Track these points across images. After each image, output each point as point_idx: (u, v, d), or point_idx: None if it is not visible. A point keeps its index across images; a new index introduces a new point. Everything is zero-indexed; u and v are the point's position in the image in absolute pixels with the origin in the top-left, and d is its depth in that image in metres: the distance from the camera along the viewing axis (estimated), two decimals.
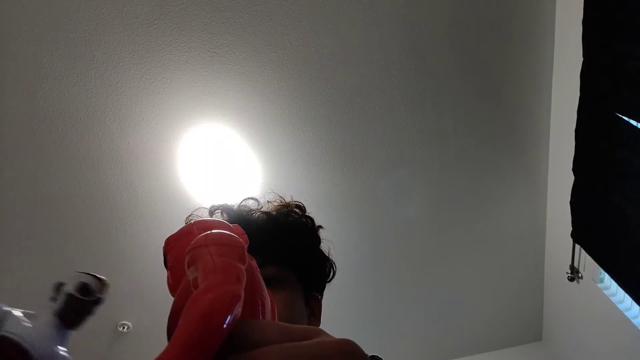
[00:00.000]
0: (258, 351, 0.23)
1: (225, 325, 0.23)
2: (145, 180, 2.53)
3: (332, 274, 0.84)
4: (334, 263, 0.85)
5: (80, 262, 2.66)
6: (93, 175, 2.48)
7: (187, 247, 0.27)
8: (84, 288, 1.91)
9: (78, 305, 1.92)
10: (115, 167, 2.48)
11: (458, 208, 2.84)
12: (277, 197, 0.83)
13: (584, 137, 2.29)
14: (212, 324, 0.22)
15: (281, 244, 0.74)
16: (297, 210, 0.81)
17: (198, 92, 2.36)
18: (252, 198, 0.81)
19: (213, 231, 0.28)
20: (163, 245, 0.31)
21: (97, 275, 1.96)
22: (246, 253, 0.28)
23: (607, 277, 2.48)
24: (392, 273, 2.97)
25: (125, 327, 2.86)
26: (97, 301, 2.01)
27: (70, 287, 1.89)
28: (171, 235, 0.32)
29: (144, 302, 2.80)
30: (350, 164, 2.63)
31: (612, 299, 2.47)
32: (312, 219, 0.83)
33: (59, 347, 1.81)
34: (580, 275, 2.67)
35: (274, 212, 0.79)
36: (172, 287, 0.29)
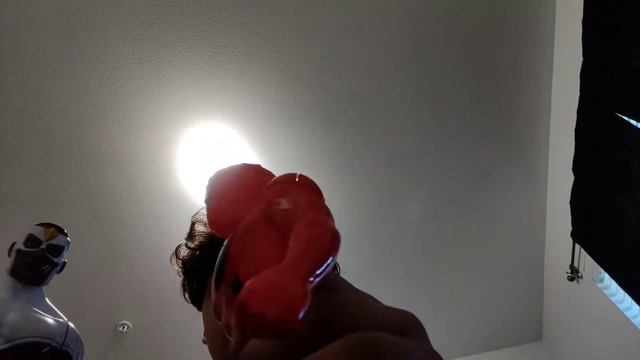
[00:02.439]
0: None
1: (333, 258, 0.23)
2: (145, 180, 2.53)
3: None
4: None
5: (80, 262, 2.66)
6: (93, 175, 2.48)
7: (275, 179, 0.29)
8: (31, 239, 1.88)
9: (27, 257, 1.87)
10: (115, 166, 2.48)
11: (458, 208, 2.84)
12: None
13: (584, 137, 2.29)
14: (335, 251, 0.23)
15: None
16: None
17: (198, 91, 2.36)
18: None
19: (299, 174, 0.30)
20: (211, 176, 0.33)
21: (46, 223, 1.90)
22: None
23: (607, 277, 2.48)
24: (391, 273, 2.97)
25: (125, 327, 2.86)
26: (49, 248, 1.96)
27: (19, 243, 1.85)
28: (220, 170, 0.33)
29: (144, 302, 2.80)
30: (350, 163, 2.63)
31: (612, 298, 2.46)
32: None
33: (26, 306, 1.75)
34: (580, 275, 2.67)
35: None
36: (222, 212, 0.31)
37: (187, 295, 0.78)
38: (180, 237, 0.79)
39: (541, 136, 2.71)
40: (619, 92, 2.02)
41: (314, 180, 0.30)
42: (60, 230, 1.73)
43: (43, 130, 2.35)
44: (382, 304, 0.26)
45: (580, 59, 2.18)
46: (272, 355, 0.22)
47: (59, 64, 2.22)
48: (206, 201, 0.32)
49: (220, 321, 0.24)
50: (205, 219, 0.78)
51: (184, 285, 0.78)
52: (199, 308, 0.76)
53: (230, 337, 0.23)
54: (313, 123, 2.51)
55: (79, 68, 2.24)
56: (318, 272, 0.22)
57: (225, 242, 0.28)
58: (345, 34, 2.35)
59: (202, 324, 0.72)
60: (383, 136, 2.59)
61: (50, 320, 1.66)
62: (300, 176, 0.28)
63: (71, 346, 1.69)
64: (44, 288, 1.73)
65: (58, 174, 2.45)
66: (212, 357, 0.69)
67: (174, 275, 0.79)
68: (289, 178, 0.28)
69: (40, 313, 1.65)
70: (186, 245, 0.78)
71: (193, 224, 0.79)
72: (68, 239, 1.78)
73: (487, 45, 2.49)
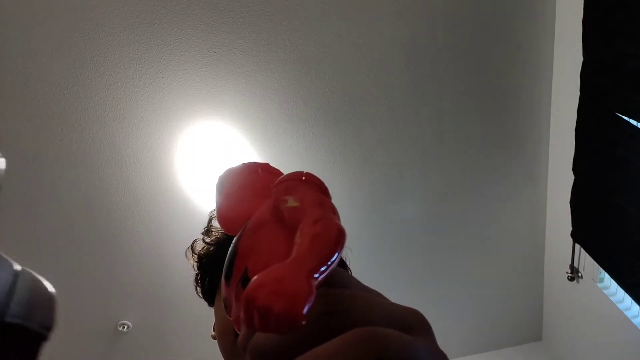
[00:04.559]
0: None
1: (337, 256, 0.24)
2: (145, 180, 2.53)
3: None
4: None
5: (80, 262, 2.66)
6: (93, 175, 2.48)
7: (283, 178, 0.30)
8: None
9: None
10: (115, 166, 2.48)
11: (458, 208, 2.84)
12: None
13: (583, 137, 2.29)
14: (341, 248, 0.23)
15: None
16: None
17: (198, 91, 2.36)
18: None
19: (305, 172, 0.30)
20: (221, 174, 0.33)
21: None
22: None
23: (607, 277, 2.48)
24: (390, 273, 2.97)
25: (125, 327, 2.86)
26: None
27: None
28: (230, 168, 0.34)
29: (144, 302, 2.80)
30: (351, 164, 2.63)
31: (612, 298, 2.47)
32: None
33: None
34: (580, 275, 2.67)
35: None
36: (231, 209, 0.32)
37: (199, 290, 0.78)
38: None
39: (541, 136, 2.72)
40: (618, 91, 2.02)
41: None
42: None
43: (43, 130, 2.35)
44: (389, 301, 0.26)
45: (580, 59, 2.18)
46: (278, 347, 0.23)
47: (58, 64, 2.22)
48: (216, 200, 0.33)
49: (229, 316, 0.25)
50: None
51: (197, 279, 0.78)
52: (210, 303, 0.76)
53: (239, 331, 0.23)
54: (313, 123, 2.51)
55: (78, 68, 2.24)
56: (323, 268, 0.22)
57: (235, 238, 0.29)
58: (346, 34, 2.35)
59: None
60: (383, 136, 2.59)
61: None
62: (307, 174, 0.29)
63: (23, 313, 1.02)
64: None
65: (58, 174, 2.45)
66: (222, 352, 0.69)
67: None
68: (296, 176, 0.29)
69: None
70: (203, 239, 0.78)
71: (210, 219, 0.79)
72: None
73: (487, 45, 2.49)
